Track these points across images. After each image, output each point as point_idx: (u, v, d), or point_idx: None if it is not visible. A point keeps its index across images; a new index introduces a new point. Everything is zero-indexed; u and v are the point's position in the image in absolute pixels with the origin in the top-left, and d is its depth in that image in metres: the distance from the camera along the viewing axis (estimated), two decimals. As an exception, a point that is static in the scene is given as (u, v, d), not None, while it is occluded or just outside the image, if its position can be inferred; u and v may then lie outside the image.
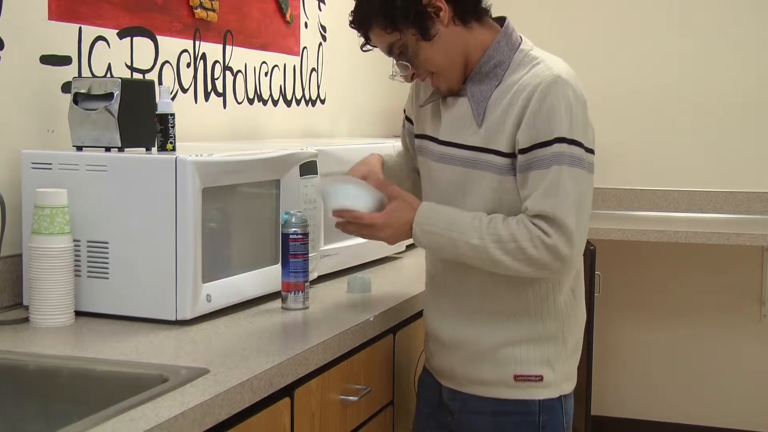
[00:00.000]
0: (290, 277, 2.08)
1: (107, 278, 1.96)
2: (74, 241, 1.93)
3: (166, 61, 2.59)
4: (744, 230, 3.75)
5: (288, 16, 3.24)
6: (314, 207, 2.30)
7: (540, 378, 1.91)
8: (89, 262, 1.97)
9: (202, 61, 2.76)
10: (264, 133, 3.13)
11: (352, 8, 1.90)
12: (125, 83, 2.00)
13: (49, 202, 1.89)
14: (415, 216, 1.87)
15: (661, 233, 3.78)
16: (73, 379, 1.64)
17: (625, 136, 4.35)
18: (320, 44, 3.52)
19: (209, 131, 2.80)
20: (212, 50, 2.81)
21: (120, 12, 2.38)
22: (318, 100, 3.54)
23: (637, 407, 4.40)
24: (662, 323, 4.34)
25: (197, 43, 2.73)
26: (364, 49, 1.96)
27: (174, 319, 1.92)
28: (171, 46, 2.61)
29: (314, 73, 3.49)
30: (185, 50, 2.68)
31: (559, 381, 1.94)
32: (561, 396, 1.94)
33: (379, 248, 2.58)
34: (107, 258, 1.96)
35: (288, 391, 1.72)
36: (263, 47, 3.10)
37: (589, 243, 3.51)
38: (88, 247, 1.97)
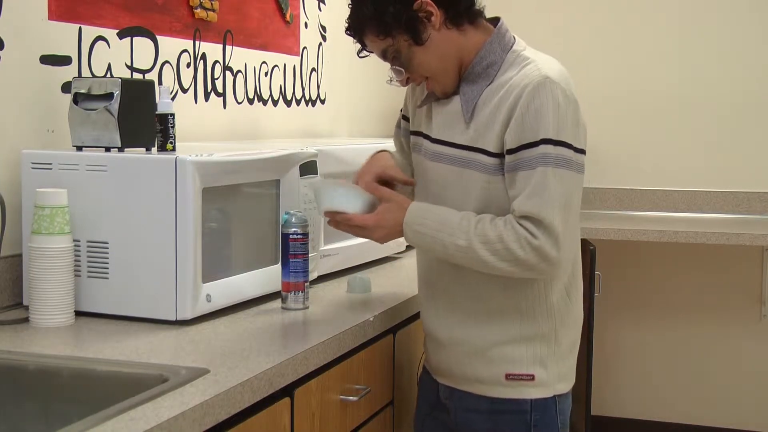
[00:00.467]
0: (290, 277, 2.08)
1: (107, 278, 1.96)
2: (74, 241, 1.93)
3: (166, 61, 2.59)
4: (744, 230, 3.75)
5: (288, 16, 3.24)
6: (314, 207, 2.30)
7: (531, 377, 1.92)
8: (89, 262, 1.97)
9: (202, 61, 2.76)
10: (264, 133, 3.13)
11: (348, 15, 1.91)
12: (125, 83, 2.00)
13: (49, 202, 1.89)
14: (405, 216, 1.88)
15: (661, 233, 3.77)
16: (73, 379, 1.64)
17: (625, 136, 4.34)
18: (320, 44, 3.52)
19: (209, 131, 2.80)
20: (212, 50, 2.81)
21: (120, 12, 2.38)
22: (318, 100, 3.54)
23: (637, 407, 4.39)
24: (662, 323, 4.34)
25: (197, 43, 2.73)
26: (360, 55, 1.99)
27: (174, 319, 1.92)
28: (171, 46, 2.61)
29: (314, 73, 3.49)
30: (185, 50, 2.68)
31: (552, 381, 1.94)
32: (555, 395, 1.95)
33: (379, 248, 2.57)
34: (107, 258, 1.96)
35: (288, 391, 1.72)
36: (263, 47, 3.10)
37: (589, 243, 3.51)
38: (88, 247, 1.97)
